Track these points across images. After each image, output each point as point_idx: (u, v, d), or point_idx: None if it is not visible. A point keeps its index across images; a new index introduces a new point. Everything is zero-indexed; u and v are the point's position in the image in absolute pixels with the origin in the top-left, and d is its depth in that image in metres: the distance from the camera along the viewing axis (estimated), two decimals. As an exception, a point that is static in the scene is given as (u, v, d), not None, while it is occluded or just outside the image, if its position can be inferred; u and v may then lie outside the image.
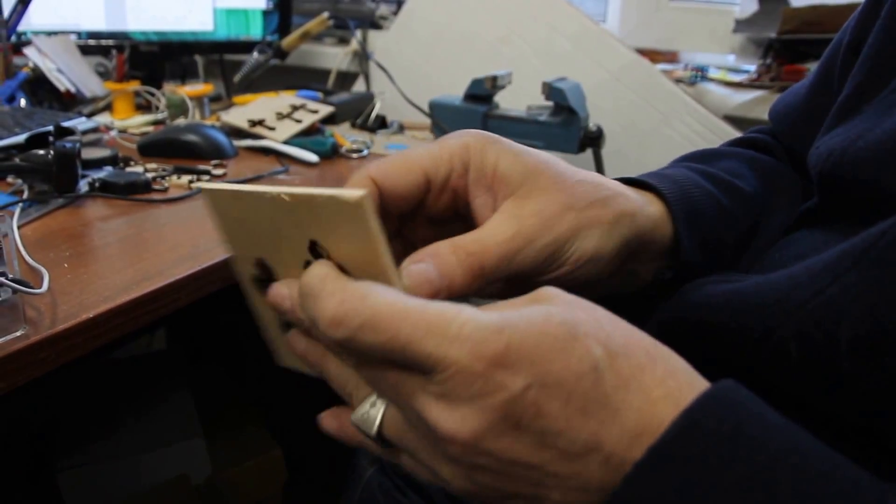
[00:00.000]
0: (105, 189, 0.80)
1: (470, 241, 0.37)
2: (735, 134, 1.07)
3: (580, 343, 0.29)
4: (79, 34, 1.32)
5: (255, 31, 1.51)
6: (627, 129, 1.27)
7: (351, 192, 0.30)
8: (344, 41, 1.67)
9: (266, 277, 0.38)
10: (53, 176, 0.76)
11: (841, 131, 0.42)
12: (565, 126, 1.06)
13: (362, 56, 1.54)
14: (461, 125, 1.03)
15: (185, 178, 0.87)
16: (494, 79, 1.09)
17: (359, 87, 1.57)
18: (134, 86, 1.27)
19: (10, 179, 0.81)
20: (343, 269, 0.32)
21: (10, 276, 0.49)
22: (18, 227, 0.68)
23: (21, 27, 1.22)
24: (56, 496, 1.04)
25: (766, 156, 0.58)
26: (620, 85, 1.28)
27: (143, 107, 1.32)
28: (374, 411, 0.33)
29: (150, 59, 1.40)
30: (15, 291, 0.49)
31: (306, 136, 1.09)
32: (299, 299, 0.32)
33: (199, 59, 1.69)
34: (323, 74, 1.62)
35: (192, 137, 1.00)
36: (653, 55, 1.45)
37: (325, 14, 1.42)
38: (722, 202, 0.48)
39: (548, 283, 0.39)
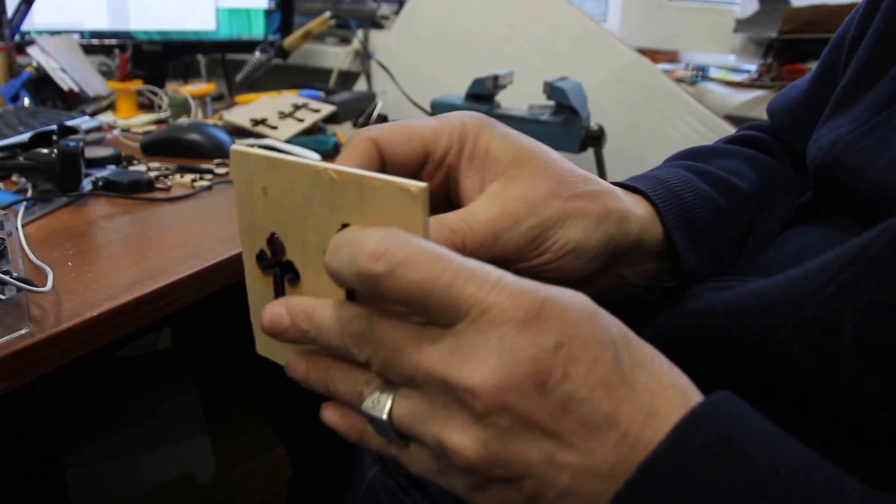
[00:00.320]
0: (108, 188, 0.81)
1: (454, 219, 0.37)
2: (736, 133, 1.07)
3: (601, 318, 0.29)
4: (82, 34, 1.33)
5: (258, 30, 1.51)
6: (629, 128, 1.27)
7: (412, 182, 0.29)
8: (345, 41, 1.67)
9: (272, 256, 0.37)
10: (57, 175, 0.76)
11: (840, 122, 0.42)
12: (567, 125, 1.06)
13: (364, 55, 1.55)
14: (463, 124, 1.03)
15: (188, 177, 0.88)
16: (496, 78, 1.09)
17: (360, 86, 1.57)
18: (137, 85, 1.28)
19: (14, 178, 0.82)
20: None
21: (15, 274, 0.49)
22: (22, 226, 0.68)
23: (25, 27, 1.22)
24: (63, 493, 1.04)
25: (763, 154, 0.58)
26: (621, 84, 1.28)
27: (146, 106, 1.32)
28: (384, 397, 0.32)
29: (152, 59, 1.41)
30: (19, 290, 0.49)
31: (308, 136, 1.09)
32: (328, 255, 0.30)
33: (201, 58, 1.69)
34: (324, 74, 1.63)
35: (194, 136, 1.01)
36: (653, 55, 1.45)
37: (327, 14, 1.42)
38: (718, 202, 0.48)
39: (528, 270, 0.39)
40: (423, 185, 0.29)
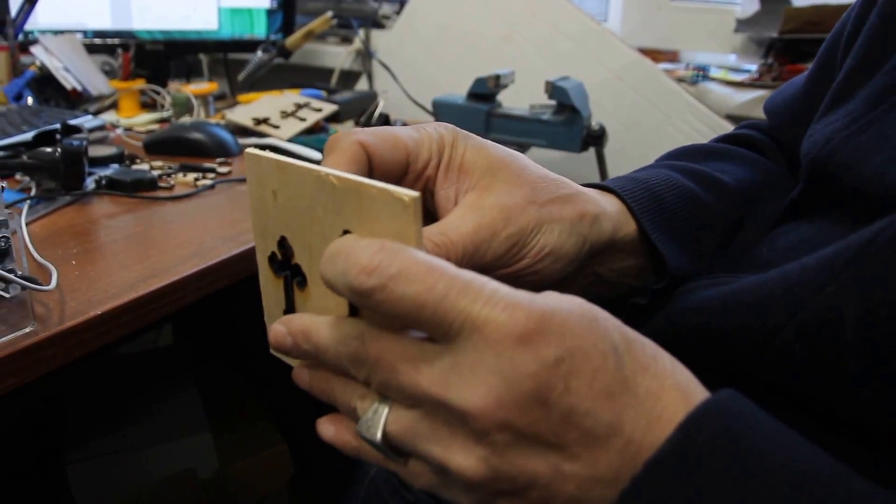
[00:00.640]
0: (112, 186, 0.81)
1: (435, 233, 0.37)
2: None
3: (601, 324, 0.29)
4: (85, 33, 1.33)
5: (260, 30, 1.52)
6: (630, 127, 1.28)
7: (404, 191, 0.29)
8: (347, 40, 1.68)
9: (283, 259, 0.38)
10: (61, 173, 0.77)
11: (835, 117, 0.42)
12: (568, 125, 1.06)
13: (365, 55, 1.55)
14: (465, 124, 1.03)
15: (191, 176, 0.88)
16: (497, 78, 1.09)
17: (361, 85, 1.58)
18: (139, 84, 1.28)
19: (17, 177, 0.82)
20: None
21: (19, 272, 0.50)
22: (26, 224, 0.68)
23: (28, 26, 1.23)
24: (65, 489, 1.05)
25: (755, 153, 0.58)
26: (623, 84, 1.28)
27: (149, 105, 1.33)
28: (376, 417, 0.31)
29: (155, 58, 1.41)
30: (23, 288, 0.49)
31: (310, 135, 1.10)
32: (323, 264, 0.30)
33: (203, 57, 1.70)
34: (326, 73, 1.63)
35: (197, 135, 1.01)
36: (654, 55, 1.45)
37: (329, 13, 1.43)
38: (703, 198, 0.48)
39: (507, 276, 0.40)
40: (415, 194, 0.29)
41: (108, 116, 1.20)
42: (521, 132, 1.09)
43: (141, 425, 1.14)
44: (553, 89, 1.04)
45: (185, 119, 1.23)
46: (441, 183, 0.41)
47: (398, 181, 0.40)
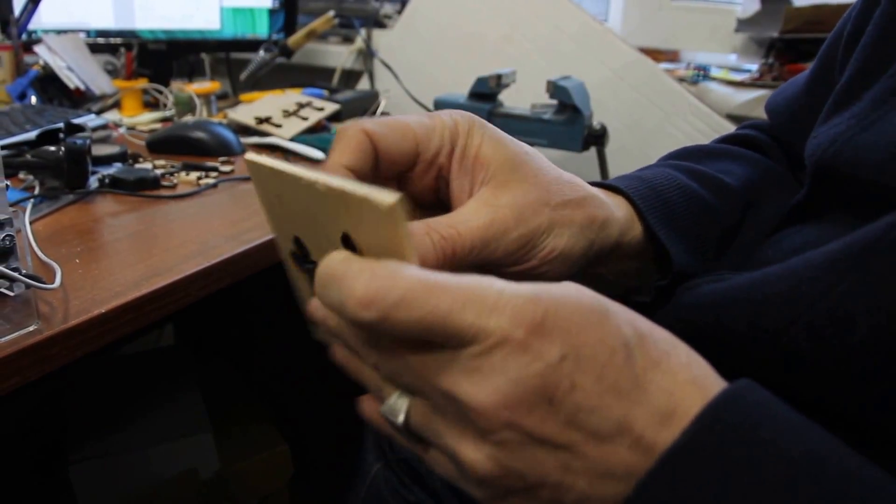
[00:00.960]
0: (115, 185, 0.82)
1: (445, 225, 0.37)
2: (737, 132, 1.08)
3: (611, 320, 0.29)
4: (88, 32, 1.33)
5: (262, 29, 1.52)
6: (631, 127, 1.28)
7: (384, 197, 0.29)
8: (349, 40, 1.68)
9: (303, 254, 0.38)
10: (64, 172, 0.77)
11: (841, 120, 0.42)
12: (569, 124, 1.06)
13: (367, 54, 1.55)
14: (465, 123, 1.03)
15: (194, 175, 0.88)
16: (499, 77, 1.10)
17: (363, 85, 1.58)
18: (142, 83, 1.29)
19: (21, 175, 0.83)
20: None
21: (24, 271, 0.50)
22: (30, 223, 0.68)
23: (31, 25, 1.23)
24: (67, 488, 1.05)
25: (757, 153, 0.58)
26: (624, 83, 1.28)
27: (151, 104, 1.33)
28: (400, 402, 0.32)
29: (157, 58, 1.41)
30: (28, 287, 0.49)
31: (312, 134, 1.10)
32: (317, 290, 0.30)
33: (205, 57, 1.70)
34: (328, 72, 1.63)
35: (199, 134, 1.01)
36: (654, 54, 1.45)
37: (331, 13, 1.43)
38: (705, 198, 0.48)
39: (514, 275, 0.40)
40: (394, 200, 0.28)
41: (111, 115, 1.21)
42: (522, 131, 1.09)
43: (143, 425, 1.14)
44: (554, 89, 1.05)
45: (188, 118, 1.23)
46: (456, 172, 0.40)
47: (408, 170, 0.40)
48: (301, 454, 1.24)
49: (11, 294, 0.49)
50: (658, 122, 1.27)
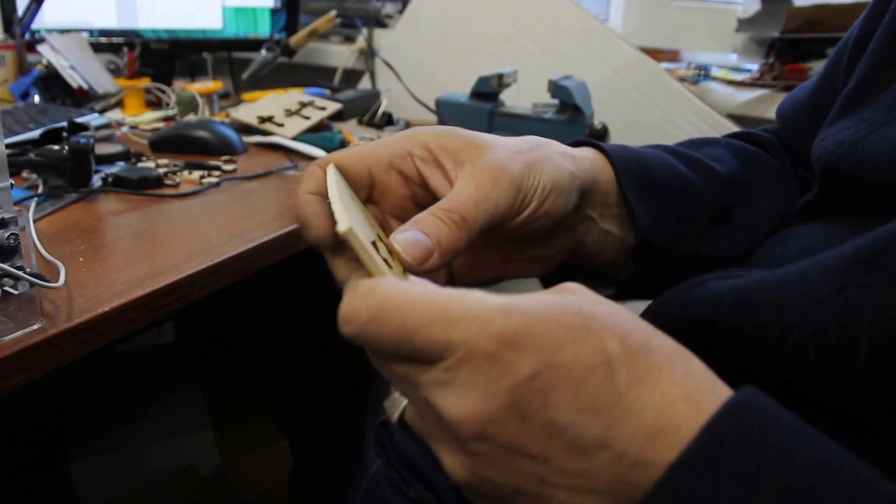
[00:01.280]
0: (118, 184, 0.82)
1: (444, 202, 0.40)
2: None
3: (594, 335, 0.28)
4: (91, 32, 1.34)
5: (264, 29, 1.52)
6: (632, 126, 1.28)
7: (338, 227, 0.32)
8: (350, 39, 1.68)
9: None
10: (68, 171, 0.77)
11: (849, 123, 0.42)
12: (570, 123, 1.06)
13: (368, 54, 1.56)
14: (467, 122, 1.04)
15: (196, 174, 0.89)
16: (500, 77, 1.10)
17: (364, 84, 1.58)
18: (144, 83, 1.29)
19: (25, 174, 0.83)
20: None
21: (28, 269, 0.50)
22: (34, 221, 0.69)
23: (35, 25, 1.23)
24: (68, 484, 1.06)
25: (757, 148, 0.59)
26: (625, 83, 1.29)
27: (154, 103, 1.33)
28: (400, 399, 0.33)
29: (160, 57, 1.42)
30: (32, 285, 0.49)
31: (314, 133, 1.10)
32: None
33: (208, 56, 1.70)
34: (330, 72, 1.64)
35: (202, 134, 1.02)
36: (655, 54, 1.45)
37: (333, 12, 1.43)
38: (689, 178, 0.50)
39: (525, 224, 0.43)
40: (343, 228, 0.31)
41: (114, 115, 1.21)
42: (523, 131, 1.09)
43: (143, 421, 1.15)
44: (556, 88, 1.05)
45: (190, 117, 1.23)
46: (429, 171, 0.43)
47: (372, 189, 0.45)
48: (300, 450, 1.25)
49: (16, 292, 0.49)
50: (659, 122, 1.27)
